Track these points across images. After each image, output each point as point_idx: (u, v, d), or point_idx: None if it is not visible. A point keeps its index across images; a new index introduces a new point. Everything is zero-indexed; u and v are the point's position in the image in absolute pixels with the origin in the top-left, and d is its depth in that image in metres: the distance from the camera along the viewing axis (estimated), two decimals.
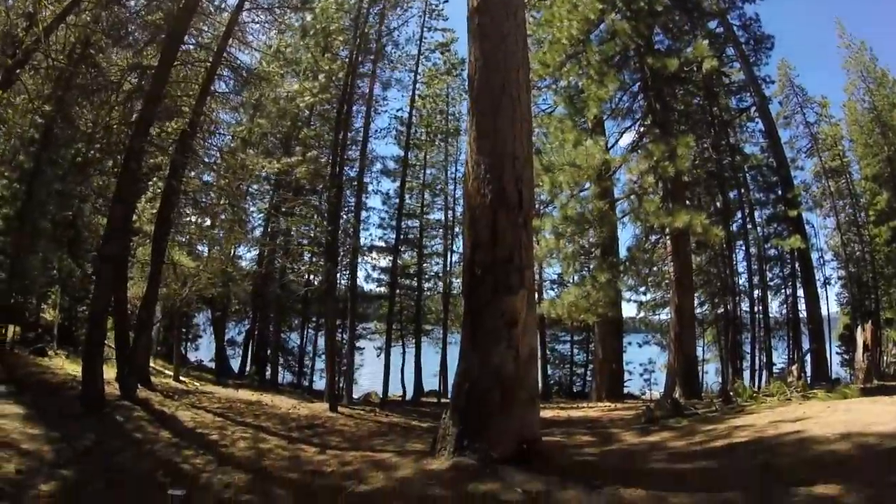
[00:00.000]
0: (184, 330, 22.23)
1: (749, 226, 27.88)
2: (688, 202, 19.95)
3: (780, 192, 26.31)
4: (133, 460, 6.17)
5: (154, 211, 12.28)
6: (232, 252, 17.03)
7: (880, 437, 6.11)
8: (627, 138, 18.09)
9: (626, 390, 25.10)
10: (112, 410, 8.62)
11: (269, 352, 22.31)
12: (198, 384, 12.75)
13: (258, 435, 7.88)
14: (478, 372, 6.04)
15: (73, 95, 12.38)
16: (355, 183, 20.03)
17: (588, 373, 28.45)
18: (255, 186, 19.02)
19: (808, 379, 22.01)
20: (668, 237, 17.37)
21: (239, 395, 12.08)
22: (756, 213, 28.18)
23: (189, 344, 25.03)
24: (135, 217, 12.24)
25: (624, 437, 9.13)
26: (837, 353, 29.70)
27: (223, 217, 14.77)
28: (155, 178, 13.06)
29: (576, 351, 30.15)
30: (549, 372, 28.18)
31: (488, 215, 6.18)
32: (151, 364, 13.53)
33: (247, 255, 20.96)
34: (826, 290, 30.54)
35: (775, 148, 26.56)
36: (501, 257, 6.11)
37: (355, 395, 19.20)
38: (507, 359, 5.99)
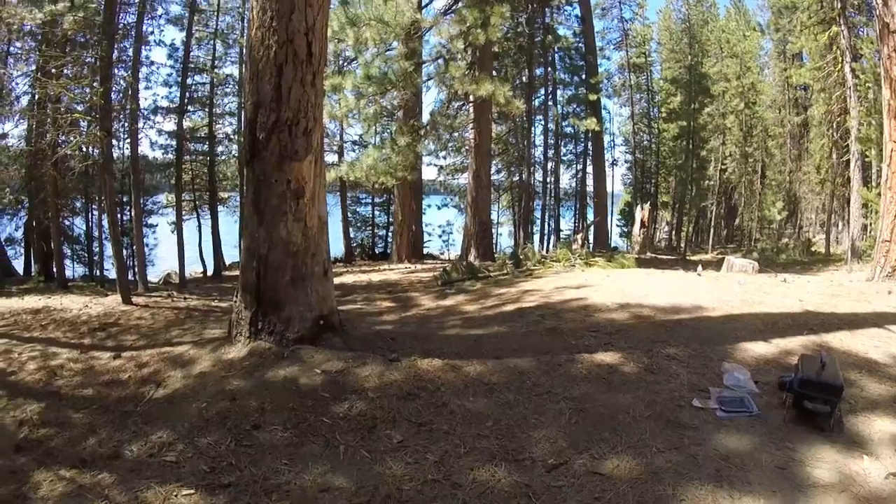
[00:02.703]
0: None
1: (550, 102, 29.08)
2: (494, 73, 20.08)
3: (584, 77, 27.53)
4: None
5: None
6: None
7: (653, 309, 6.63)
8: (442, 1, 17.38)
9: (425, 251, 25.93)
10: None
11: (52, 244, 19.05)
12: None
13: (47, 350, 6.84)
14: (265, 248, 5.46)
15: None
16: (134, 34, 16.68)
17: (389, 234, 28.82)
18: (18, 45, 15.54)
19: (591, 246, 24.25)
20: (471, 104, 17.40)
21: (24, 303, 10.42)
22: (558, 92, 29.33)
23: None
24: None
25: (422, 301, 9.27)
26: (618, 225, 32.84)
27: None
28: None
29: (377, 213, 30.45)
30: (352, 234, 28.24)
31: (273, 70, 5.30)
32: None
33: (14, 133, 17.06)
34: (613, 170, 33.48)
35: (587, 35, 27.58)
36: (286, 119, 5.34)
37: (153, 278, 17.76)
38: (296, 231, 5.47)
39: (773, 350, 5.17)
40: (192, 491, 3.45)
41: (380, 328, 6.79)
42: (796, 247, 19.36)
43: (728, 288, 7.99)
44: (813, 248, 19.71)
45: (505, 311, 7.48)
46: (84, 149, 13.77)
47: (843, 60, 18.62)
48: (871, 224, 17.75)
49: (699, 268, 10.87)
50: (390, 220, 28.64)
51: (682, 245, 26.71)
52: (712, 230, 27.22)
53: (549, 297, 8.07)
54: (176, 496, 3.42)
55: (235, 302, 5.81)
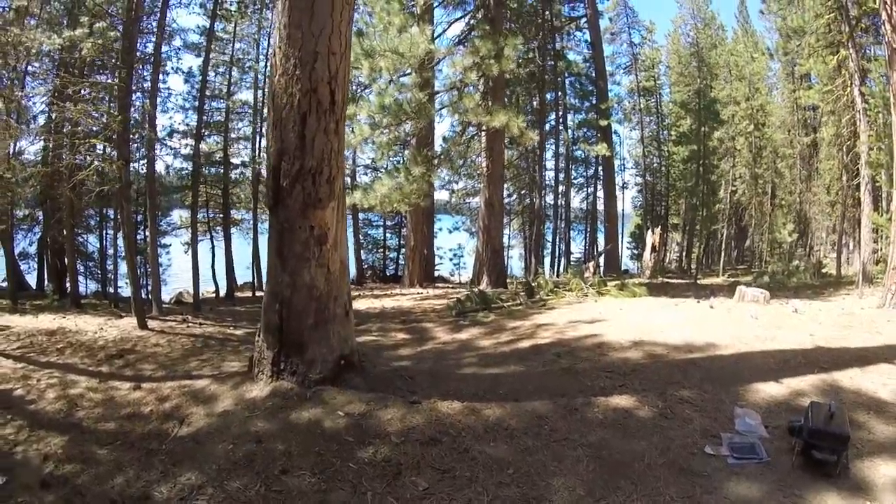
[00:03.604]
0: None
1: (561, 127, 29.31)
2: (506, 100, 20.33)
3: (594, 101, 27.83)
4: None
5: None
6: (11, 150, 14.31)
7: (666, 347, 6.79)
8: (456, 29, 17.66)
9: (436, 273, 26.11)
10: None
11: (66, 260, 18.79)
12: None
13: (66, 377, 6.92)
14: (289, 292, 5.61)
15: None
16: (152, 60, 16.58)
17: (401, 256, 28.98)
18: (36, 65, 15.78)
19: (602, 269, 24.35)
20: (484, 133, 17.61)
21: (39, 323, 10.56)
22: (569, 117, 29.60)
23: None
24: None
25: (437, 333, 9.43)
26: (628, 247, 32.85)
27: None
28: None
29: (388, 235, 30.61)
30: (364, 256, 28.45)
31: (296, 119, 5.40)
32: None
33: (30, 150, 17.10)
34: (623, 193, 33.57)
35: (597, 60, 27.95)
36: (310, 167, 5.44)
37: (166, 297, 17.91)
38: (319, 276, 5.62)
39: (783, 391, 5.31)
40: None
41: (397, 364, 6.94)
42: (807, 269, 19.36)
43: (740, 321, 8.11)
44: (824, 270, 19.74)
45: (520, 347, 7.64)
46: (101, 169, 13.99)
47: (851, 84, 18.72)
48: (881, 248, 17.77)
49: (712, 298, 11.00)
50: (401, 242, 28.85)
51: (693, 267, 26.75)
52: (723, 252, 27.23)
53: (564, 332, 8.22)
54: None
55: (258, 341, 5.93)
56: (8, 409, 5.82)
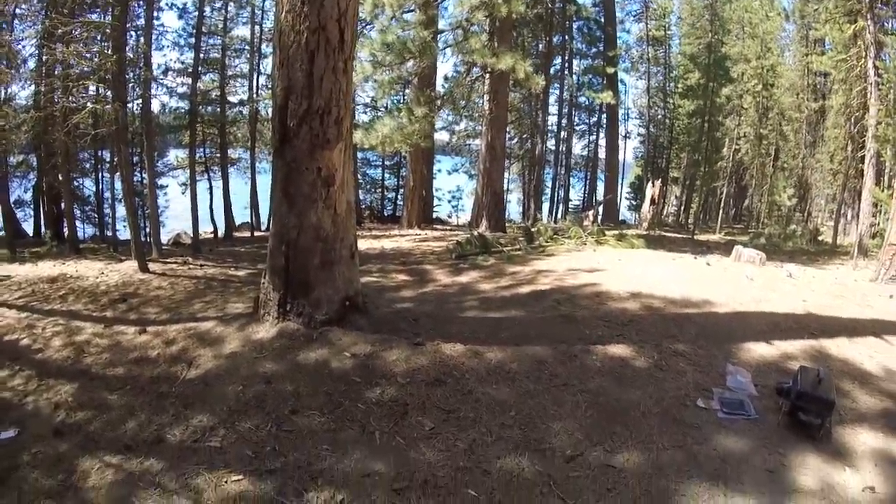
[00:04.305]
0: None
1: (566, 72, 28.89)
2: (513, 42, 19.99)
3: (601, 48, 27.35)
4: None
5: None
6: (2, 96, 13.94)
7: (663, 301, 6.95)
8: None
9: (435, 215, 26.13)
10: None
11: (63, 206, 18.93)
12: None
13: (71, 324, 6.98)
14: (295, 233, 5.63)
15: None
16: None
17: (399, 197, 28.94)
18: (25, 6, 14.77)
19: (601, 218, 24.45)
20: (488, 75, 17.38)
21: (39, 271, 10.54)
22: (575, 62, 29.17)
23: None
24: None
25: (437, 275, 9.58)
26: (627, 198, 32.80)
27: None
28: None
29: (387, 175, 30.45)
30: (362, 196, 28.39)
31: (304, 58, 5.29)
32: None
33: (21, 95, 16.80)
34: (625, 143, 33.27)
35: (608, 5, 27.34)
36: (318, 107, 5.37)
37: (164, 239, 17.89)
38: (326, 218, 5.63)
39: (774, 353, 5.49)
40: (240, 477, 3.70)
41: (400, 306, 7.09)
42: (804, 234, 19.49)
43: (736, 281, 8.30)
44: (820, 238, 19.88)
45: (520, 292, 7.79)
46: (95, 111, 13.79)
47: (866, 55, 18.47)
48: (880, 222, 17.88)
49: (709, 255, 11.16)
50: (400, 182, 28.75)
51: (691, 222, 26.86)
52: (721, 210, 27.30)
53: (563, 279, 8.37)
54: (226, 482, 3.66)
55: (264, 283, 5.99)
56: (16, 360, 5.92)
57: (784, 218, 23.27)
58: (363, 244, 14.47)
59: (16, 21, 15.19)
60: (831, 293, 8.04)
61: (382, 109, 23.30)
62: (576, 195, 33.83)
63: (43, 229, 19.85)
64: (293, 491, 3.57)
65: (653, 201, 20.68)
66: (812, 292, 7.94)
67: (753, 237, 19.38)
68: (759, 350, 5.52)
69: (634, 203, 32.55)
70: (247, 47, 23.67)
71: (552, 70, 27.56)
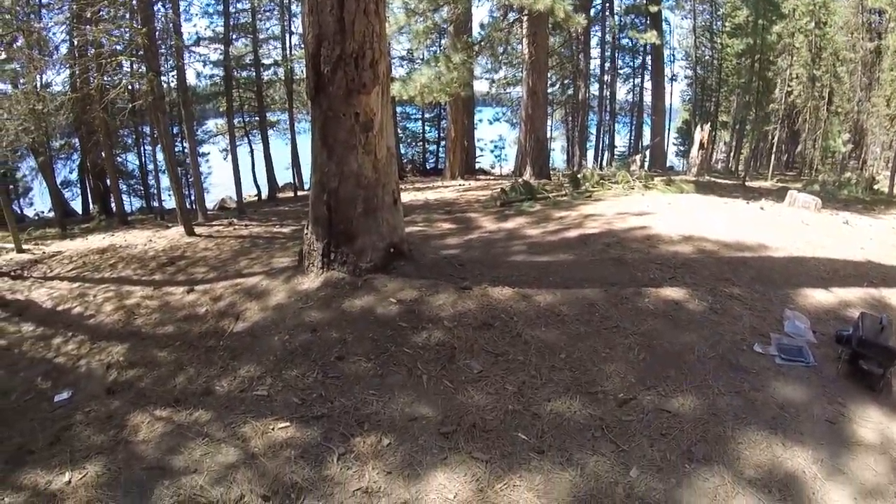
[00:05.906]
0: (10, 187, 19.22)
1: (607, 13, 27.86)
2: None
3: None
4: (5, 376, 5.32)
5: None
6: (39, 83, 14.01)
7: (716, 244, 6.72)
8: None
9: (477, 166, 25.89)
10: None
11: (108, 182, 19.49)
12: (45, 248, 10.97)
13: (121, 289, 7.14)
14: (336, 181, 5.54)
15: None
16: None
17: (441, 149, 28.71)
18: None
19: (648, 164, 23.84)
20: (525, 18, 16.83)
21: (89, 244, 10.74)
22: (616, 1, 28.19)
23: (22, 200, 22.04)
24: None
25: (483, 222, 9.43)
26: (674, 143, 31.90)
27: (18, 44, 11.62)
28: None
29: (427, 128, 30.20)
30: (403, 150, 28.26)
31: (334, 1, 5.12)
32: None
33: (56, 80, 17.23)
34: (672, 86, 32.11)
35: None
36: (352, 51, 5.21)
37: (210, 205, 18.20)
38: (366, 164, 5.53)
39: (832, 300, 5.29)
40: (287, 424, 3.75)
41: (446, 253, 7.00)
42: (859, 182, 18.61)
43: (791, 225, 8.00)
44: (876, 186, 18.97)
45: (568, 236, 7.61)
46: (130, 86, 13.79)
47: None
48: None
49: (762, 200, 10.77)
50: (441, 135, 28.49)
51: (741, 169, 26.01)
52: (773, 156, 26.26)
53: (612, 223, 8.15)
54: (273, 430, 3.72)
55: (307, 234, 5.97)
56: (69, 327, 6.09)
57: (838, 165, 22.34)
58: (406, 197, 14.43)
59: (43, 10, 15.29)
60: (889, 243, 7.67)
61: (419, 61, 22.94)
62: (621, 141, 33.08)
63: (91, 206, 20.38)
64: (339, 436, 3.60)
65: (702, 146, 19.97)
66: (870, 241, 7.59)
67: (807, 184, 18.65)
68: (817, 296, 5.33)
69: (682, 149, 31.70)
70: (276, 8, 23.54)
71: (592, 10, 26.60)
